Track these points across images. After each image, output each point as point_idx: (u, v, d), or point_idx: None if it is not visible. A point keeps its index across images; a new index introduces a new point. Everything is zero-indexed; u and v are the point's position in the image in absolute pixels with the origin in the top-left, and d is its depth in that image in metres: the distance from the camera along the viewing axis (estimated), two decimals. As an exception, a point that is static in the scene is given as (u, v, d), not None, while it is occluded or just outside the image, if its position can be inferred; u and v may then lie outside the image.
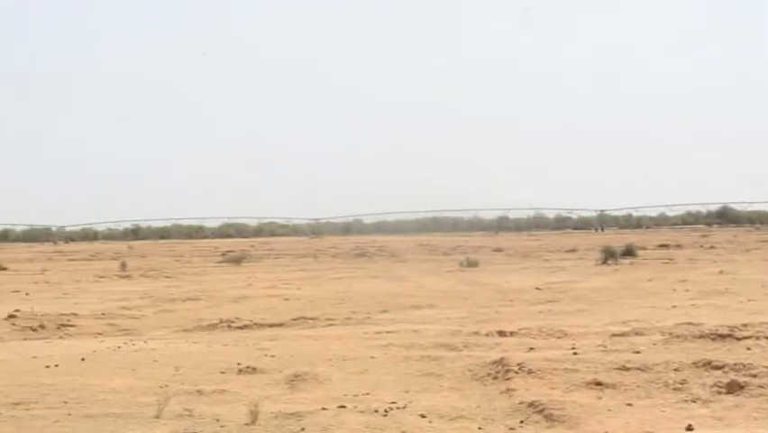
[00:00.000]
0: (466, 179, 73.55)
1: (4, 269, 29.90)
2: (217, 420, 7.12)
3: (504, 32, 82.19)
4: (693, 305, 14.66)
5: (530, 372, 8.50)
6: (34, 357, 10.52)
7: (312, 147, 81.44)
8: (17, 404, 7.90)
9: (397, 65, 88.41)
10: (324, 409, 7.43)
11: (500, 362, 8.91)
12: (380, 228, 65.29)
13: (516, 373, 8.52)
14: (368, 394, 8.09)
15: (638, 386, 8.03)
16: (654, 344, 10.10)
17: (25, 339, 12.41)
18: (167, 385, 8.57)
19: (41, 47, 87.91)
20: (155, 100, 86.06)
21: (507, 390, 8.04)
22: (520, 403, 7.47)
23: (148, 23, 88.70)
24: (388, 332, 11.97)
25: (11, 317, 14.25)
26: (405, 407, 7.50)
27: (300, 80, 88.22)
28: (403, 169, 79.25)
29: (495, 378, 8.56)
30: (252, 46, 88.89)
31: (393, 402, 7.66)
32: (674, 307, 14.42)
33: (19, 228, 71.37)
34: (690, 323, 11.65)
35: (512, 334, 11.41)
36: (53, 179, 79.42)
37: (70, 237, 67.59)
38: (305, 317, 13.86)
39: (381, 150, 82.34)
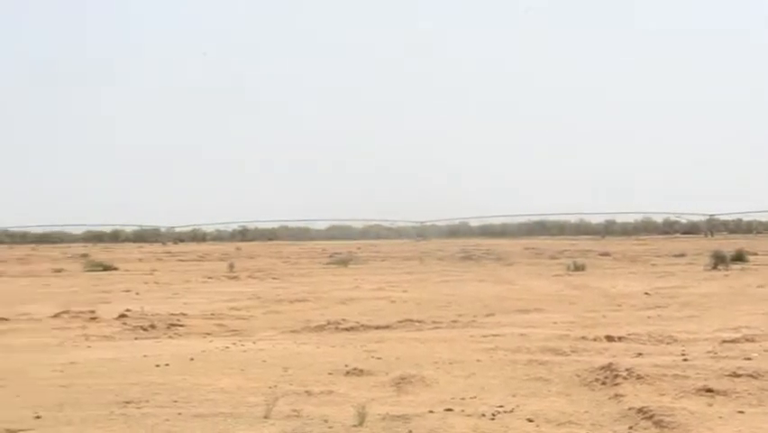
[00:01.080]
0: (572, 182, 72.98)
1: (114, 269, 30.39)
2: (325, 421, 7.15)
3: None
4: (806, 312, 14.37)
5: (639, 377, 8.41)
6: (145, 356, 10.67)
7: (419, 150, 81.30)
8: (128, 402, 8.02)
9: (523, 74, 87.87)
10: (430, 412, 7.42)
11: (608, 367, 8.82)
12: (486, 231, 65.14)
13: (625, 378, 8.43)
14: (474, 398, 8.06)
15: (750, 393, 7.90)
16: (766, 350, 9.93)
17: (136, 339, 12.60)
18: (275, 386, 8.63)
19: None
20: (260, 102, 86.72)
21: (616, 395, 7.95)
22: (629, 409, 7.38)
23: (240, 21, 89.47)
24: (494, 335, 11.92)
25: (122, 316, 14.47)
26: (512, 411, 7.46)
27: (408, 82, 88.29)
28: (509, 172, 78.94)
29: (603, 383, 8.47)
30: (345, 46, 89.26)
31: (500, 406, 7.63)
32: (787, 313, 14.16)
33: (129, 229, 72.54)
34: (803, 330, 11.44)
35: (620, 339, 11.30)
36: (162, 180, 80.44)
37: (179, 238, 68.51)
38: (411, 320, 13.86)
39: (488, 151, 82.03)
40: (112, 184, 79.69)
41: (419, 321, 13.78)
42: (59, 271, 30.42)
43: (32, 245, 61.97)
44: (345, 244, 52.76)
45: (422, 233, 65.53)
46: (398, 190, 75.90)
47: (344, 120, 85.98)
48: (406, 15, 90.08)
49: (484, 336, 11.83)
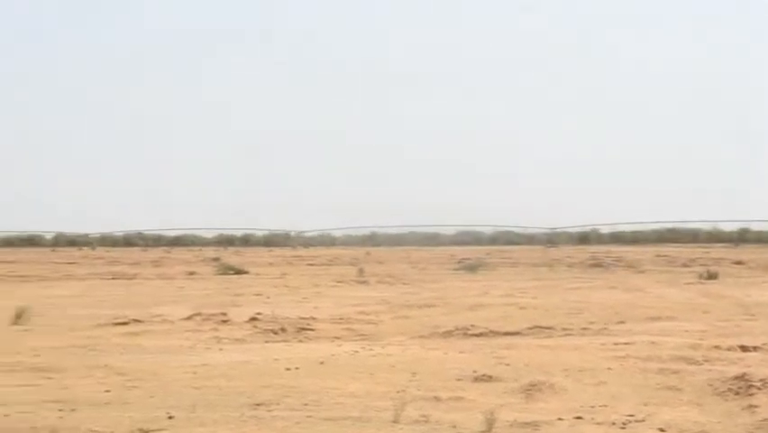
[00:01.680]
0: (705, 188, 71.79)
1: (245, 273, 30.77)
2: (454, 427, 7.15)
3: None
4: None
5: (774, 388, 8.24)
6: (275, 359, 10.78)
7: (553, 153, 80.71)
8: (259, 405, 8.12)
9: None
10: (560, 419, 7.37)
11: (742, 377, 8.66)
12: (617, 238, 64.46)
13: (759, 389, 8.27)
14: (605, 406, 7.98)
15: None
16: None
17: (267, 342, 12.73)
18: (403, 391, 8.65)
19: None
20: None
21: (750, 406, 7.81)
22: (763, 420, 7.24)
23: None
24: (625, 343, 11.79)
25: (253, 319, 14.63)
26: (643, 420, 7.37)
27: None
28: (640, 176, 77.99)
29: (737, 393, 8.32)
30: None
31: (631, 415, 7.54)
32: None
33: (260, 233, 73.41)
34: None
35: (755, 349, 11.08)
36: (292, 185, 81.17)
37: (309, 242, 69.13)
38: (540, 327, 13.77)
39: (620, 155, 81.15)
40: (243, 189, 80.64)
41: (549, 328, 13.68)
42: (192, 273, 30.91)
43: (166, 248, 63.11)
44: (474, 250, 52.65)
45: (552, 239, 65.10)
46: (529, 196, 75.58)
47: (478, 119, 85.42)
48: None
49: (615, 344, 11.70)
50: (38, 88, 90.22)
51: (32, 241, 72.79)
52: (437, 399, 8.29)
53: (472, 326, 13.90)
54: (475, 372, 9.63)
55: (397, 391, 8.58)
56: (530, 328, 13.67)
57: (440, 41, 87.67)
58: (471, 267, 32.55)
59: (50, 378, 9.71)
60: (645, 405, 8.01)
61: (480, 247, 58.61)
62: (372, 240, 68.95)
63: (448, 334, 13.32)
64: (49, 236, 74.49)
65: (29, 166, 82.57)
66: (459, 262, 35.77)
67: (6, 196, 76.39)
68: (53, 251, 60.43)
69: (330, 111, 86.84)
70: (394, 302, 18.59)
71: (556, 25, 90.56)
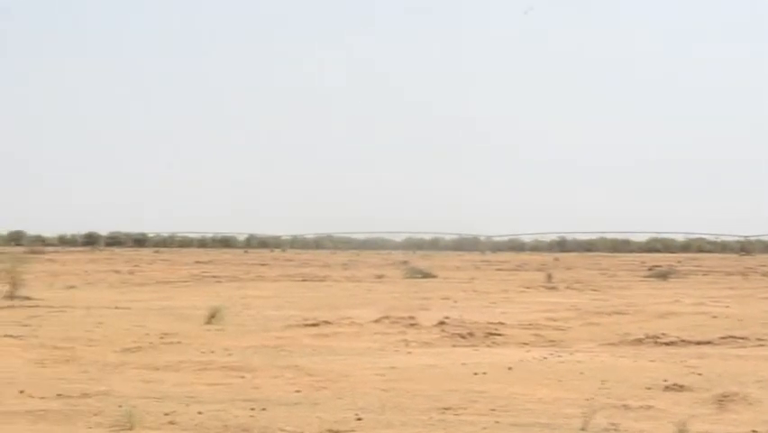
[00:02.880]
0: None
1: (433, 276, 30.87)
2: (643, 437, 7.05)
3: None
4: None
5: None
6: (463, 364, 10.79)
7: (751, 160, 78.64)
8: (447, 409, 8.13)
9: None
10: (754, 431, 7.19)
11: None
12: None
13: None
14: (802, 420, 7.75)
15: None
16: None
17: (454, 346, 12.75)
18: (592, 398, 8.56)
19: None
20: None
21: None
22: None
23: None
24: (823, 356, 11.43)
25: (441, 323, 14.68)
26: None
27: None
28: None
29: None
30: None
31: (829, 430, 7.30)
32: None
33: (449, 237, 73.59)
34: None
35: None
36: (491, 188, 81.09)
37: (497, 247, 68.97)
38: (734, 337, 13.46)
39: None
40: (433, 191, 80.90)
41: (742, 338, 13.36)
42: (380, 277, 31.16)
43: (355, 251, 63.79)
44: (666, 257, 51.74)
45: (746, 247, 63.49)
46: (721, 203, 73.88)
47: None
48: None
49: (813, 356, 11.36)
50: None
51: (226, 242, 74.56)
52: (626, 407, 8.18)
53: (663, 334, 13.67)
54: (665, 381, 9.48)
55: (586, 399, 8.50)
56: (723, 338, 13.37)
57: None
58: (662, 274, 31.99)
59: (241, 377, 9.92)
60: None
61: (670, 255, 57.58)
62: (561, 245, 68.40)
63: (638, 342, 13.13)
64: (241, 238, 76.15)
65: (232, 170, 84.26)
66: (649, 270, 35.21)
67: (203, 200, 78.34)
68: (246, 252, 61.75)
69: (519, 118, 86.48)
70: (583, 309, 18.40)
71: None
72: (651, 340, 13.16)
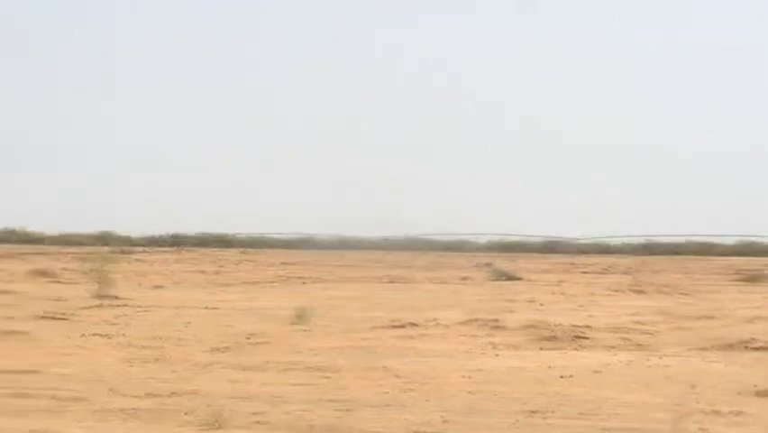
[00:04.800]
0: None
1: (518, 279, 30.73)
2: (734, 443, 6.95)
3: None
4: None
5: None
6: (549, 367, 10.74)
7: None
8: (534, 412, 8.10)
9: None
10: None
11: None
12: None
13: None
14: None
15: None
16: None
17: (541, 349, 12.69)
18: (681, 403, 8.46)
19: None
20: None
21: None
22: None
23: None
24: None
25: (527, 326, 14.60)
26: None
27: None
28: None
29: None
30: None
31: None
32: None
33: (534, 239, 73.24)
34: None
35: None
36: (569, 191, 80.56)
37: (584, 250, 68.52)
38: (826, 342, 13.23)
39: None
40: (517, 192, 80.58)
41: (835, 343, 13.13)
42: (466, 279, 31.10)
43: (439, 252, 63.76)
44: (754, 261, 51.04)
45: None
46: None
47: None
48: None
49: None
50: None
51: (311, 243, 74.87)
52: (717, 412, 8.08)
53: (753, 339, 13.47)
54: (756, 386, 9.35)
55: (675, 404, 8.40)
56: (815, 343, 13.15)
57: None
58: (752, 278, 31.52)
59: (327, 378, 9.96)
60: None
61: (760, 258, 56.77)
62: (648, 248, 67.77)
63: (728, 346, 12.95)
64: (328, 239, 76.38)
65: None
66: (738, 273, 34.73)
67: (289, 200, 78.72)
68: (332, 253, 61.93)
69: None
70: (671, 312, 18.20)
71: None
72: (741, 345, 12.98)
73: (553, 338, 13.54)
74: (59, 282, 25.87)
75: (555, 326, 14.70)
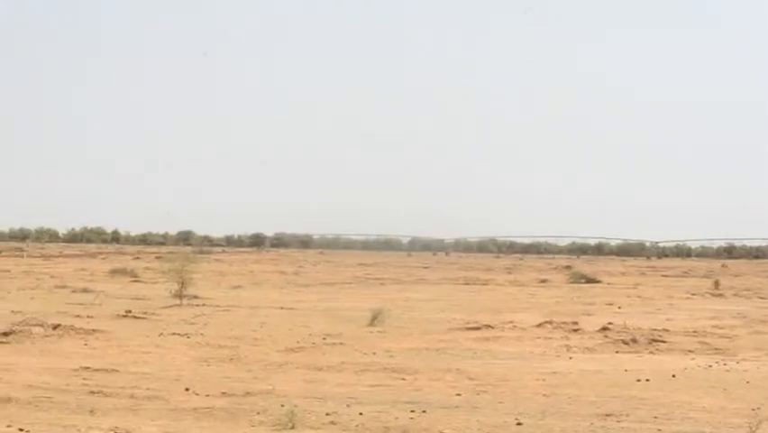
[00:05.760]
0: None
1: (597, 282, 30.56)
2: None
3: None
4: None
5: None
6: (626, 370, 10.68)
7: None
8: (608, 415, 8.05)
9: None
10: None
11: None
12: None
13: None
14: None
15: None
16: None
17: (617, 352, 12.61)
18: (758, 408, 8.36)
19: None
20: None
21: None
22: None
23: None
24: None
25: (604, 329, 14.50)
26: None
27: None
28: None
29: None
30: None
31: None
32: None
33: (613, 242, 72.74)
34: None
35: None
36: (649, 194, 79.88)
37: (663, 253, 67.93)
38: None
39: None
40: (598, 195, 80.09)
41: None
42: (544, 281, 31.00)
43: (519, 255, 63.59)
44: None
45: None
46: None
47: None
48: None
49: None
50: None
51: (388, 244, 74.96)
52: (795, 419, 7.97)
53: (835, 345, 13.29)
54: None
55: (753, 409, 8.31)
56: None
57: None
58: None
59: (402, 379, 9.98)
60: None
61: None
62: (729, 252, 66.98)
63: (810, 352, 12.78)
64: (405, 240, 76.45)
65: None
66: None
67: (367, 202, 78.94)
68: (409, 255, 62.00)
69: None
70: (751, 316, 17.99)
71: None
72: (823, 351, 12.81)
73: (630, 341, 13.44)
74: (139, 282, 26.21)
75: (633, 329, 14.59)
